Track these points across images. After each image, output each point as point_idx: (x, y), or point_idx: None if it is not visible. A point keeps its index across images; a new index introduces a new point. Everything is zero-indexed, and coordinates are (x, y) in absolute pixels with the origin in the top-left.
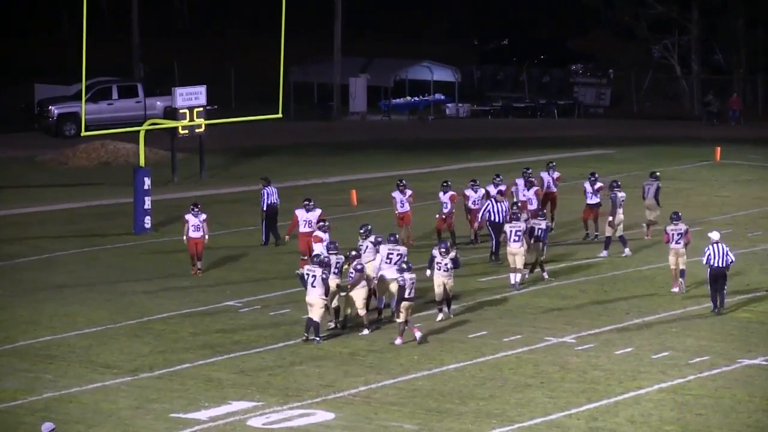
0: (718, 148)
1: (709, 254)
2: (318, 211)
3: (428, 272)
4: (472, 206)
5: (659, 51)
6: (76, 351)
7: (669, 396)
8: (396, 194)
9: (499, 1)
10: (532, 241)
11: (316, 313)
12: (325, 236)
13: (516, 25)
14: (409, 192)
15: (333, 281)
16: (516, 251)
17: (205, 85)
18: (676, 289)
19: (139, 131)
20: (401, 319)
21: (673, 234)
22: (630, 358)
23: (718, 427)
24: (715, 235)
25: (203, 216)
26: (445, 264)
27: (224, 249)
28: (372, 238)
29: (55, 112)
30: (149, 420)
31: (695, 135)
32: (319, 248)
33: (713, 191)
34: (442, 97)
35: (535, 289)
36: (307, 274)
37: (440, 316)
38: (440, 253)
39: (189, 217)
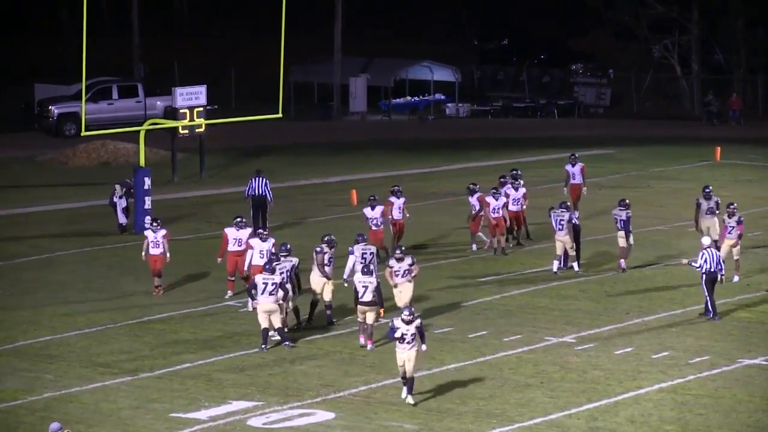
0: (718, 148)
1: (706, 258)
2: (248, 230)
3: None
4: (493, 214)
5: (659, 51)
6: (76, 351)
7: (669, 396)
8: (393, 199)
9: (499, 1)
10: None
11: (277, 319)
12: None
13: (516, 25)
14: (403, 199)
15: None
16: (561, 239)
17: (205, 85)
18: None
19: (139, 131)
20: (359, 319)
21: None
22: (630, 357)
23: (718, 426)
24: (706, 240)
25: (163, 231)
26: (411, 335)
27: None
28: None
29: (55, 111)
30: (149, 420)
31: (695, 135)
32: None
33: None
34: (442, 97)
35: (535, 288)
36: (266, 282)
37: (405, 393)
38: (402, 322)
39: (148, 233)
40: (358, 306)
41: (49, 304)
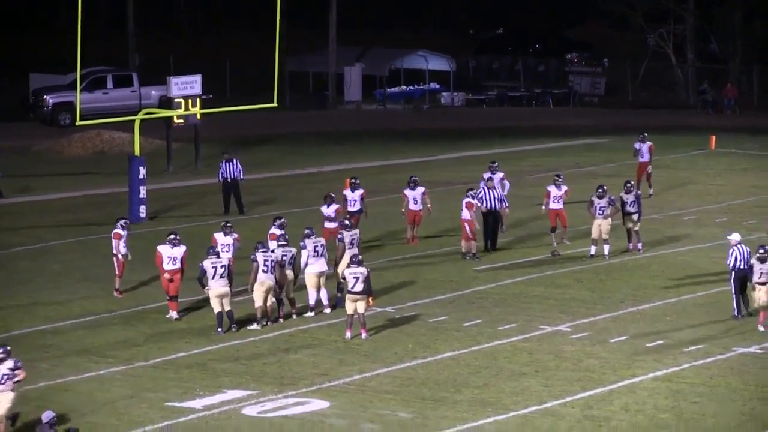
0: (713, 137)
1: (735, 256)
2: (183, 248)
3: None
4: (464, 217)
5: (654, 40)
6: (72, 340)
7: (664, 384)
8: (408, 191)
9: None
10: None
11: (227, 302)
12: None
13: (511, 15)
14: (421, 189)
15: (287, 272)
16: (601, 222)
17: (200, 75)
18: None
19: (134, 120)
20: (348, 311)
21: None
22: (625, 346)
23: (712, 415)
24: (736, 237)
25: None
26: None
27: None
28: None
29: (51, 101)
30: (144, 409)
31: (690, 124)
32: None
33: (708, 180)
34: (437, 86)
35: (530, 277)
36: (215, 266)
37: None
38: None
39: (120, 231)
40: (348, 296)
41: (45, 293)
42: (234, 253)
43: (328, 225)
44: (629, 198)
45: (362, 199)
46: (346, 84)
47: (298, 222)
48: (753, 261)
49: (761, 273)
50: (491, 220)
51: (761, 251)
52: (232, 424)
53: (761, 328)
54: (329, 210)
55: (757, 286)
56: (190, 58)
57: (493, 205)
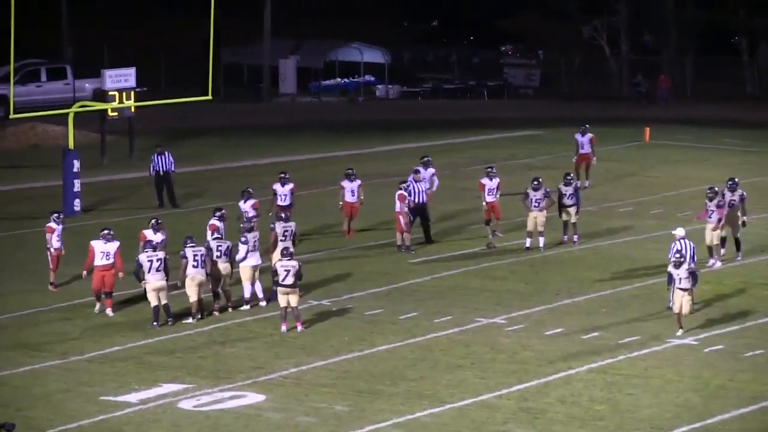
0: (648, 129)
1: (677, 250)
2: (116, 243)
3: None
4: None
5: (589, 32)
6: (7, 334)
7: (599, 376)
8: (345, 183)
9: None
10: None
11: (164, 296)
12: (157, 236)
13: (446, 6)
14: (358, 181)
15: (223, 265)
16: (536, 215)
17: (134, 68)
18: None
19: (68, 113)
20: (282, 304)
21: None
22: (560, 338)
23: (647, 406)
24: (681, 231)
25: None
26: None
27: None
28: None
29: None
30: (80, 403)
31: (625, 115)
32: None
33: (643, 171)
34: (372, 79)
35: (466, 270)
36: (150, 260)
37: None
38: None
39: (53, 224)
40: (280, 289)
41: None
42: (160, 248)
43: None
44: (568, 190)
45: (292, 193)
46: (281, 76)
47: (230, 215)
48: (669, 267)
49: (680, 278)
50: (420, 213)
51: (676, 255)
52: (168, 417)
53: (679, 333)
54: (246, 205)
55: (678, 291)
56: (123, 47)
57: (421, 198)
